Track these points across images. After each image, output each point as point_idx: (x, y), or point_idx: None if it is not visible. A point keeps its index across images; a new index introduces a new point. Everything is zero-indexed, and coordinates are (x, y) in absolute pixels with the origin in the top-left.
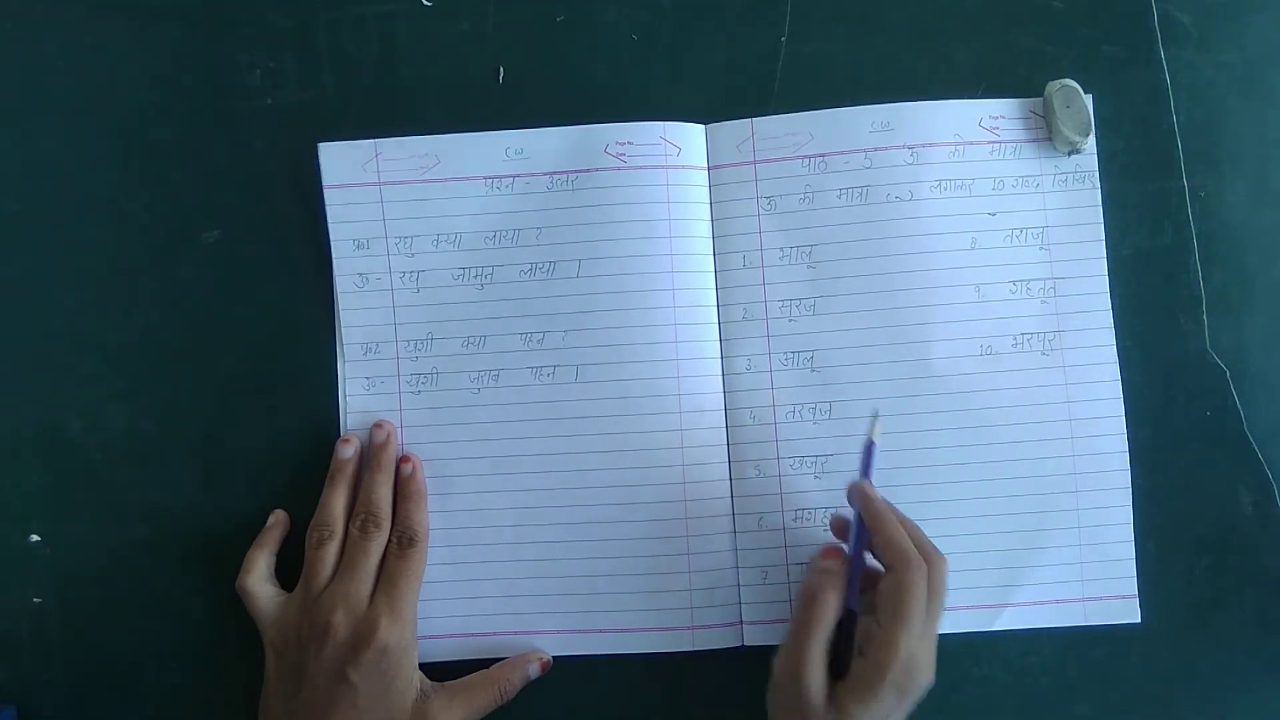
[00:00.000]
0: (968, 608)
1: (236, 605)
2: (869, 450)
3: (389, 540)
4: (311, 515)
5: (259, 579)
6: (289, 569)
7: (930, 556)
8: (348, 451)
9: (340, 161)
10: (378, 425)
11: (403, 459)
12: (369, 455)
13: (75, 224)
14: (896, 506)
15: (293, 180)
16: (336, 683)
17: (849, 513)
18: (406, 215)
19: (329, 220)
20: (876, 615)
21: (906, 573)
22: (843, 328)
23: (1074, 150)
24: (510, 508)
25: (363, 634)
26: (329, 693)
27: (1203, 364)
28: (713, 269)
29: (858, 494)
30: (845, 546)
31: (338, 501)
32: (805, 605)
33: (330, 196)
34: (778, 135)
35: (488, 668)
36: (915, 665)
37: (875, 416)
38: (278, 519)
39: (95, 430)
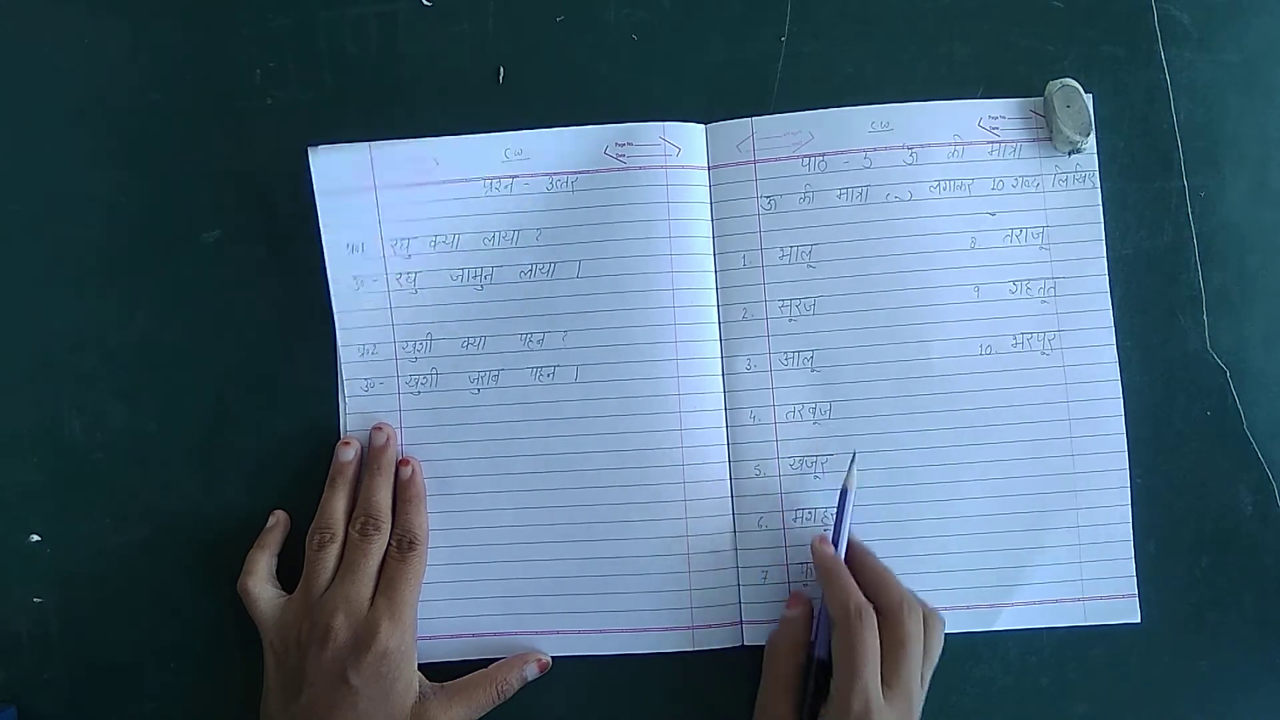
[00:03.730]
0: (968, 608)
1: (236, 605)
2: (843, 497)
3: (389, 543)
4: (312, 516)
5: (260, 580)
6: (289, 569)
7: (894, 608)
8: (348, 454)
9: (332, 165)
10: (377, 428)
11: (402, 462)
12: (368, 458)
13: (75, 224)
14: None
15: (293, 180)
16: (337, 685)
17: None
18: (404, 218)
19: (321, 224)
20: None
21: (846, 627)
22: (842, 327)
23: (1074, 150)
24: (510, 508)
25: (364, 637)
26: (329, 695)
27: (1202, 363)
28: (713, 269)
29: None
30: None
31: (338, 504)
32: (768, 658)
33: (323, 200)
34: (778, 135)
35: (486, 667)
36: (871, 716)
37: (853, 459)
38: (278, 520)
39: (95, 430)
